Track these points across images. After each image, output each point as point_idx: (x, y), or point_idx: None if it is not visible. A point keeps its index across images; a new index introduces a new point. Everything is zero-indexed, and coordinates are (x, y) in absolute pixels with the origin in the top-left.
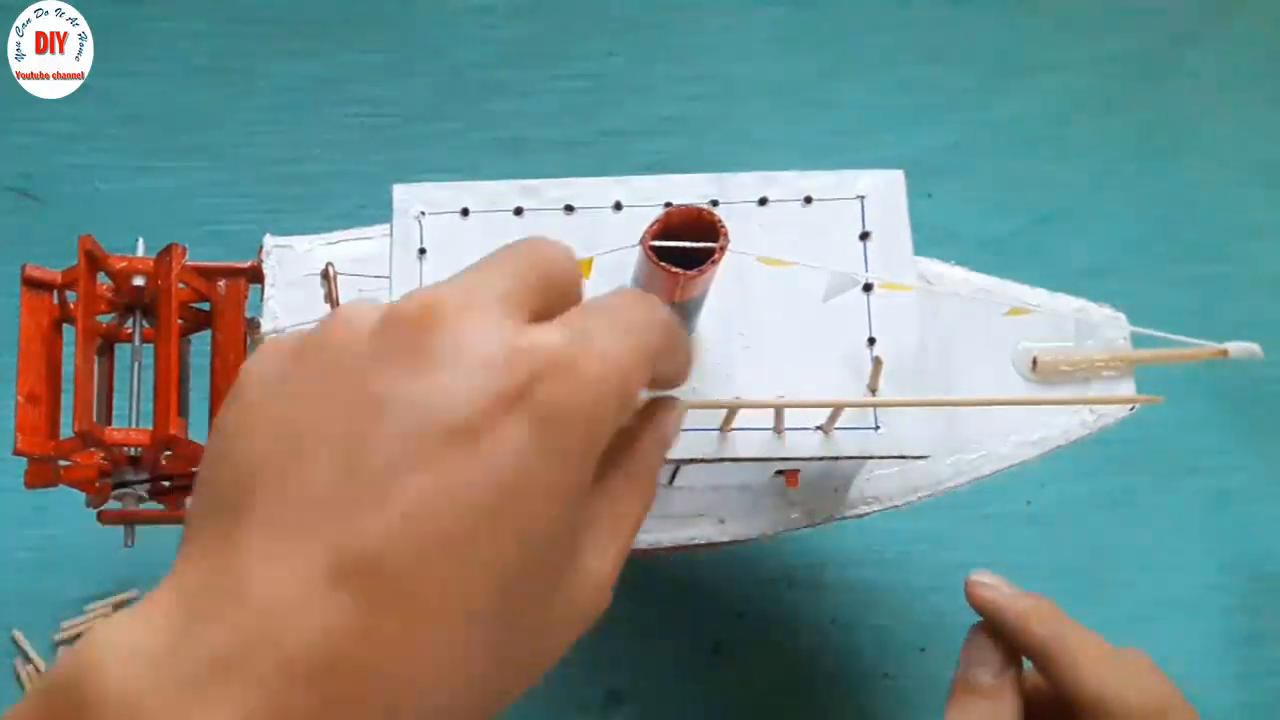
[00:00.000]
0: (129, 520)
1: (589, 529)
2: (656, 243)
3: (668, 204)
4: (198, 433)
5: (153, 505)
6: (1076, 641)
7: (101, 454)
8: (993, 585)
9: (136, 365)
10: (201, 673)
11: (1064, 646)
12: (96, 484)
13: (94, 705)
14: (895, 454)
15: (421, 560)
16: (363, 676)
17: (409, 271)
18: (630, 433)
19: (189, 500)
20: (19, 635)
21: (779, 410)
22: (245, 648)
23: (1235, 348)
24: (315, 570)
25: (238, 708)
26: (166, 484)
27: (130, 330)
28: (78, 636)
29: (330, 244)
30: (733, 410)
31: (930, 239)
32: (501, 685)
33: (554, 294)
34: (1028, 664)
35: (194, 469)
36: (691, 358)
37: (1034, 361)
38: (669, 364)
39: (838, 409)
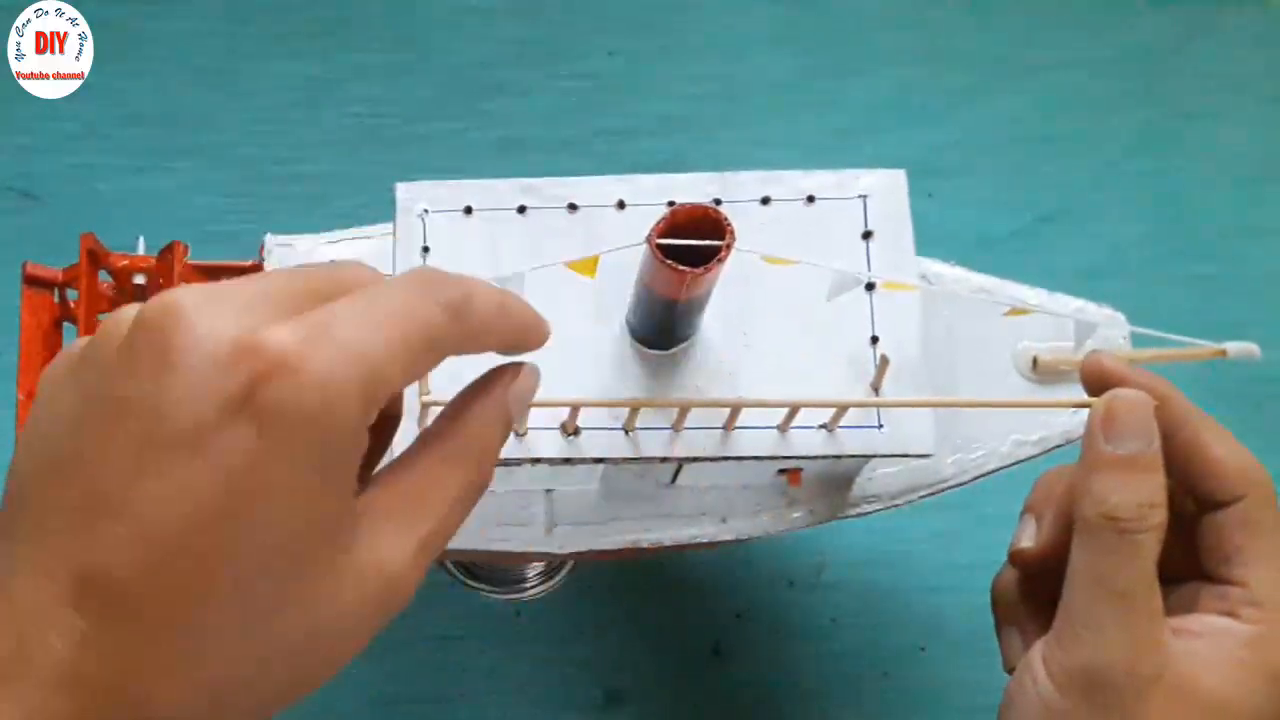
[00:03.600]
0: None
1: (367, 522)
2: (663, 240)
3: (670, 203)
4: None
5: None
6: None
7: None
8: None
9: None
10: None
11: (1200, 418)
12: None
13: None
14: (898, 453)
15: (150, 571)
16: (108, 689)
17: None
18: (455, 409)
19: None
20: None
21: (791, 409)
22: (11, 658)
23: (1234, 348)
24: (59, 585)
25: (13, 710)
26: None
27: None
28: None
29: (331, 243)
30: (736, 409)
31: (930, 238)
32: (274, 686)
33: (336, 291)
34: None
35: None
36: (538, 319)
37: (1034, 361)
38: (497, 334)
39: (841, 408)
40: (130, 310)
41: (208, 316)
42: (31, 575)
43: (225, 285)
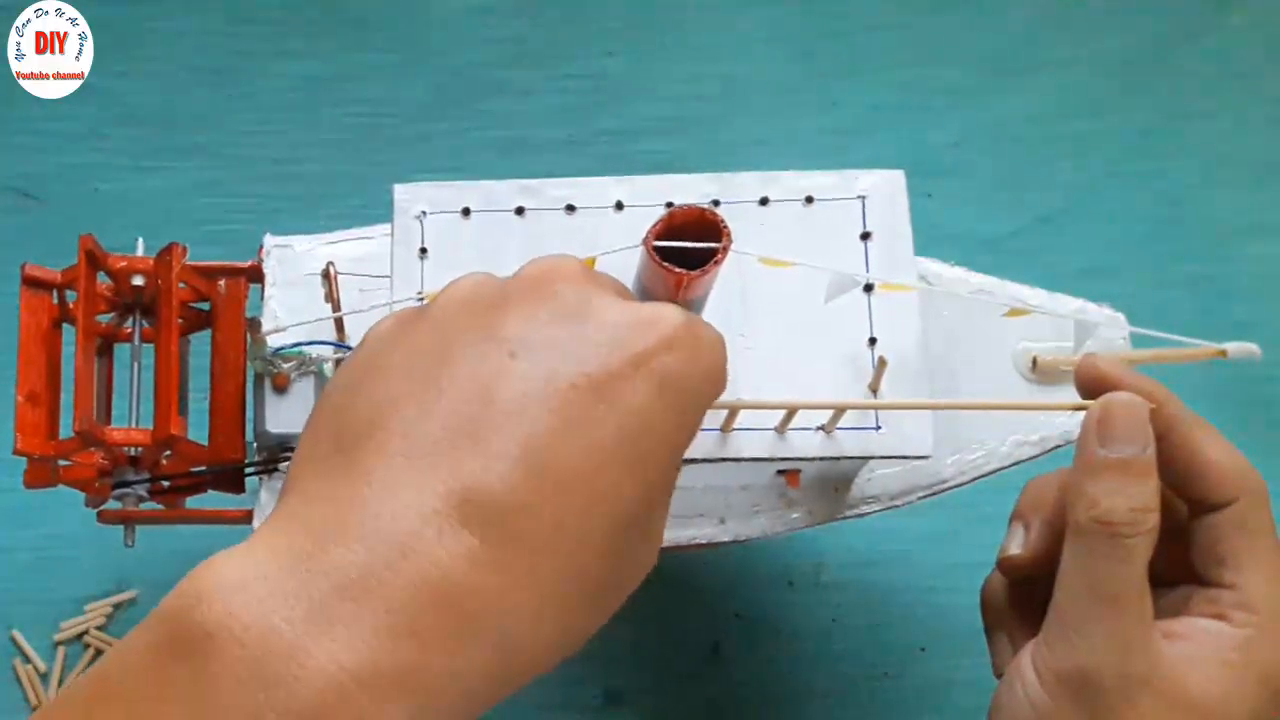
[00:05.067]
0: (129, 520)
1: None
2: (659, 243)
3: (669, 204)
4: (197, 433)
5: (152, 505)
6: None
7: (101, 454)
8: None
9: (136, 365)
10: (330, 595)
11: (1195, 422)
12: (96, 484)
13: (219, 631)
14: (897, 454)
15: (540, 498)
16: (481, 603)
17: (410, 271)
18: None
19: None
20: (18, 635)
21: (790, 410)
22: (374, 572)
23: (1234, 348)
24: (440, 503)
25: (367, 626)
26: (166, 484)
27: (130, 330)
28: (78, 636)
29: (330, 244)
30: (734, 410)
31: (929, 239)
32: (593, 623)
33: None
34: None
35: (194, 468)
36: None
37: (1034, 362)
38: None
39: (839, 409)
40: (482, 273)
41: (599, 284)
42: (407, 491)
43: (589, 269)
